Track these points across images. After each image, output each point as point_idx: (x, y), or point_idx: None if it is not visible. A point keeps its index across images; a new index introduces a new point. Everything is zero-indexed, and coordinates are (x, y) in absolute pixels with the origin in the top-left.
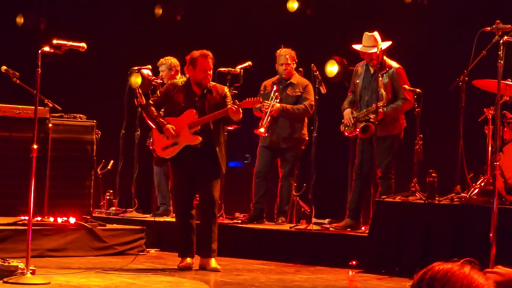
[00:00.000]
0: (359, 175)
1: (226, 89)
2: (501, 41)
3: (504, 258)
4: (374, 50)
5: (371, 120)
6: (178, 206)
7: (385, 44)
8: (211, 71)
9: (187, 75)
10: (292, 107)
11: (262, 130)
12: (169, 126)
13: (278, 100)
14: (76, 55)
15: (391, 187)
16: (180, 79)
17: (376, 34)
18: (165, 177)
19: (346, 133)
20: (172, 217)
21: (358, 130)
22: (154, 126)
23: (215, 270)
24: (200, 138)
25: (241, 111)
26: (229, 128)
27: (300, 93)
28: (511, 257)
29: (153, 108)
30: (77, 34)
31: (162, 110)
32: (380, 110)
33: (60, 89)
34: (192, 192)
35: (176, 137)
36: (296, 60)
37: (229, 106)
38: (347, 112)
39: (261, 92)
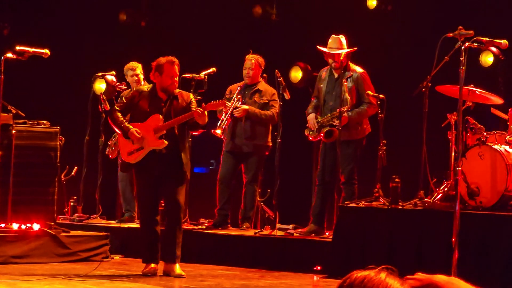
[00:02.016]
0: (322, 181)
1: (191, 96)
2: (463, 47)
3: (466, 263)
4: (339, 51)
5: (335, 125)
6: (143, 211)
7: (350, 49)
8: (178, 78)
9: (154, 81)
10: (259, 111)
11: (219, 131)
12: (133, 129)
13: (240, 103)
14: (40, 61)
15: (354, 193)
16: (145, 86)
17: (342, 37)
18: (129, 183)
19: (310, 138)
20: (136, 224)
21: (322, 134)
22: (119, 132)
23: (179, 276)
24: (166, 142)
25: (206, 114)
26: (194, 133)
27: (267, 101)
28: (474, 262)
29: (118, 114)
30: (41, 40)
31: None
32: (345, 114)
33: (23, 95)
34: (156, 198)
35: (142, 142)
36: (263, 67)
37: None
38: (311, 117)
39: (227, 96)
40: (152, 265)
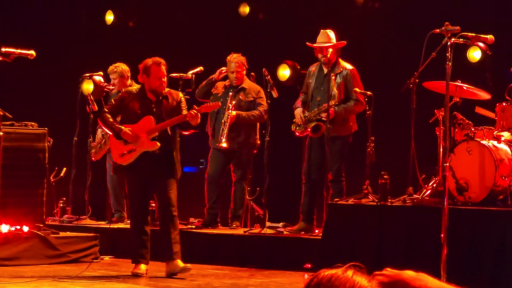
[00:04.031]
0: (308, 178)
1: (181, 95)
2: (449, 43)
3: (455, 258)
4: (327, 45)
5: (322, 119)
6: (133, 211)
7: (340, 44)
8: (165, 78)
9: (142, 83)
10: (247, 114)
11: (224, 145)
12: (126, 129)
13: (233, 109)
14: (27, 62)
15: (342, 190)
16: (133, 87)
17: (330, 32)
18: (119, 184)
19: (297, 133)
20: (126, 224)
21: (309, 129)
22: (110, 133)
23: (185, 269)
24: (159, 144)
25: (199, 115)
26: (185, 133)
27: (252, 99)
28: (463, 257)
29: (108, 115)
30: (27, 41)
31: (118, 118)
32: (332, 108)
33: (10, 97)
34: (147, 198)
35: (134, 143)
36: (247, 66)
37: (184, 111)
38: (298, 111)
39: (212, 92)
40: (142, 265)
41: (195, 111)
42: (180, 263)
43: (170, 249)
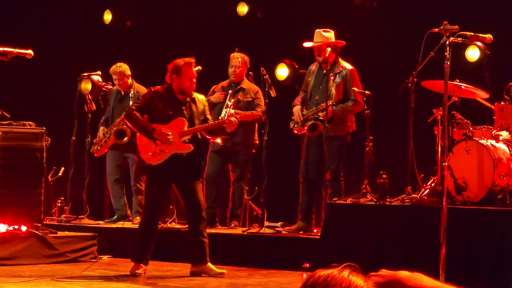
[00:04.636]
0: (306, 177)
1: (205, 99)
2: (447, 42)
3: (454, 258)
4: (322, 44)
5: (320, 118)
6: (148, 212)
7: (337, 42)
8: (195, 79)
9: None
10: (246, 114)
11: (218, 141)
12: (162, 129)
13: (231, 107)
14: (25, 61)
15: (341, 189)
16: (158, 86)
17: (327, 33)
18: (118, 183)
19: (295, 131)
20: (129, 222)
21: (306, 128)
22: (140, 132)
23: (220, 275)
24: (192, 147)
25: (237, 123)
26: (209, 137)
27: (251, 99)
28: (461, 257)
29: (138, 114)
30: (25, 40)
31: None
32: (330, 108)
33: (8, 96)
34: (165, 201)
35: (167, 144)
36: (248, 66)
37: (208, 116)
38: (296, 109)
39: (211, 100)
40: (142, 266)
41: (235, 119)
42: (213, 267)
43: (204, 253)
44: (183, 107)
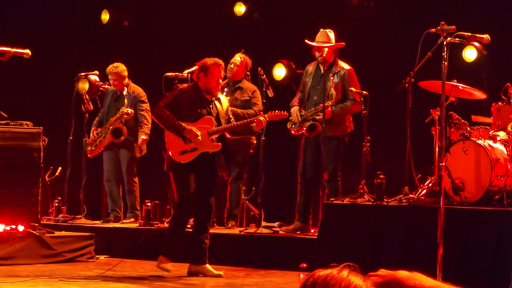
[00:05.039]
0: (303, 178)
1: (227, 99)
2: (445, 43)
3: (451, 258)
4: (326, 45)
5: (318, 119)
6: (183, 210)
7: (337, 43)
8: (222, 80)
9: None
10: (242, 111)
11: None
12: (193, 128)
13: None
14: (22, 61)
15: (338, 190)
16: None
17: (330, 32)
18: (116, 183)
19: (292, 131)
20: (122, 224)
21: (304, 128)
22: (168, 130)
23: (218, 276)
24: (220, 145)
25: (265, 123)
26: (234, 137)
27: (248, 98)
28: (458, 257)
29: (167, 111)
30: (22, 40)
31: None
32: (329, 108)
33: (5, 96)
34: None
35: (196, 143)
36: (249, 68)
37: (230, 115)
38: (294, 110)
39: None
40: (169, 262)
41: (263, 118)
42: (211, 268)
43: (204, 253)
44: (210, 106)
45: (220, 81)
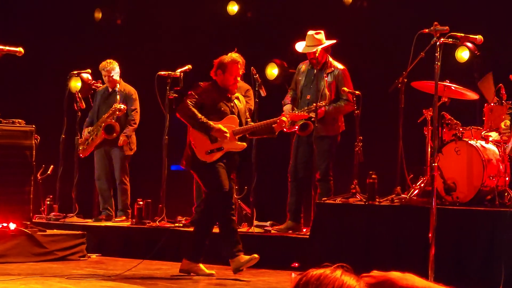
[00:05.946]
0: (294, 177)
1: (243, 98)
2: (438, 43)
3: (443, 258)
4: (314, 49)
5: (311, 118)
6: (211, 210)
7: (328, 42)
8: (239, 78)
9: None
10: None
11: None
12: (221, 127)
13: None
14: (14, 59)
15: (330, 189)
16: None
17: (318, 34)
18: (107, 182)
19: (284, 129)
20: (114, 222)
21: (297, 127)
22: (195, 128)
23: (210, 275)
24: (245, 145)
25: (288, 124)
26: (254, 137)
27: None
28: (450, 257)
29: (195, 110)
30: (15, 38)
31: None
32: (323, 108)
33: None
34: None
35: (222, 142)
36: (243, 70)
37: (248, 114)
38: (287, 108)
39: None
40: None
41: (285, 118)
42: (204, 268)
43: (200, 251)
44: (232, 104)
45: (238, 78)
